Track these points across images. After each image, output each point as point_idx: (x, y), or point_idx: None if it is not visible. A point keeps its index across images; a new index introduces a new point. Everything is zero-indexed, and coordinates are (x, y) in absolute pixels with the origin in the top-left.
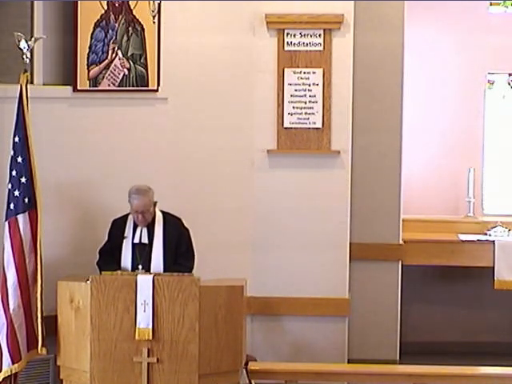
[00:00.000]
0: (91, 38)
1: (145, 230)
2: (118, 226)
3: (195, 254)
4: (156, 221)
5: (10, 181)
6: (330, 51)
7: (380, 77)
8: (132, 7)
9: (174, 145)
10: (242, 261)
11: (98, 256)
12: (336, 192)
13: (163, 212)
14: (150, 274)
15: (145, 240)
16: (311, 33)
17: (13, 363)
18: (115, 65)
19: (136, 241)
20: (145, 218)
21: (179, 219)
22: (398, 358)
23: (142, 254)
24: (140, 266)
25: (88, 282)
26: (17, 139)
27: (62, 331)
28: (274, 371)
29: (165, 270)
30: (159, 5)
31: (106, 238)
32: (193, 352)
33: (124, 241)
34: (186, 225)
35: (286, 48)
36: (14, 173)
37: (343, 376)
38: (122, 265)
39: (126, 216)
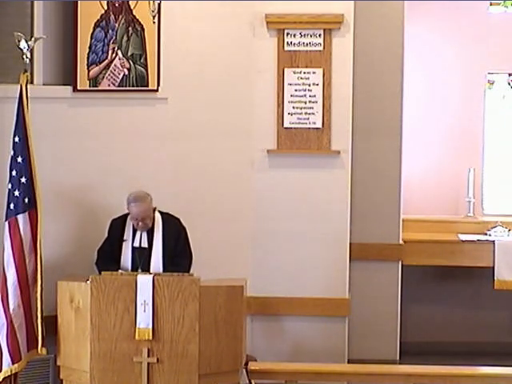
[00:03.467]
0: (91, 38)
1: (144, 234)
2: (117, 226)
3: (192, 252)
4: (155, 224)
5: (10, 181)
6: (329, 51)
7: (380, 77)
8: (132, 7)
9: (173, 145)
10: (242, 261)
11: (96, 256)
12: (336, 192)
13: (162, 212)
14: (150, 273)
15: (144, 244)
16: (311, 33)
17: (13, 363)
18: (115, 65)
19: (136, 244)
20: (145, 223)
21: (177, 219)
22: (398, 358)
23: (142, 258)
24: (139, 270)
25: (88, 282)
26: (17, 139)
27: (62, 331)
28: (274, 371)
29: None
30: (159, 5)
31: (106, 236)
32: (193, 352)
33: (123, 244)
34: (183, 223)
35: (286, 48)
36: (14, 173)
37: (343, 376)
38: (122, 268)
39: (125, 216)
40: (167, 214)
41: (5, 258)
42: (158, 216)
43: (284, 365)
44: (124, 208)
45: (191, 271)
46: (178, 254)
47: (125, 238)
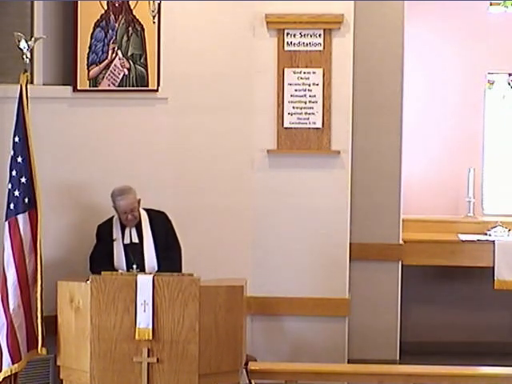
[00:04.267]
0: (91, 38)
1: (133, 230)
2: (105, 229)
3: (180, 245)
4: (142, 219)
5: (10, 181)
6: (329, 51)
7: (380, 77)
8: (132, 7)
9: (173, 145)
10: (241, 260)
11: (88, 262)
12: (336, 192)
13: (146, 209)
14: (150, 274)
15: (135, 239)
16: (311, 33)
17: (13, 363)
18: (115, 65)
19: (126, 241)
20: (134, 216)
21: (163, 213)
22: (398, 358)
23: (135, 254)
24: (134, 266)
25: (88, 282)
26: (17, 139)
27: (62, 331)
28: (274, 371)
29: (159, 267)
30: (159, 5)
31: (95, 241)
32: (193, 352)
33: (114, 243)
34: (169, 217)
35: (286, 48)
36: (13, 173)
37: (343, 376)
38: (117, 267)
39: (111, 219)
40: (151, 209)
41: (5, 258)
42: (143, 212)
43: (284, 365)
44: None
45: (190, 270)
46: (169, 247)
47: (114, 237)
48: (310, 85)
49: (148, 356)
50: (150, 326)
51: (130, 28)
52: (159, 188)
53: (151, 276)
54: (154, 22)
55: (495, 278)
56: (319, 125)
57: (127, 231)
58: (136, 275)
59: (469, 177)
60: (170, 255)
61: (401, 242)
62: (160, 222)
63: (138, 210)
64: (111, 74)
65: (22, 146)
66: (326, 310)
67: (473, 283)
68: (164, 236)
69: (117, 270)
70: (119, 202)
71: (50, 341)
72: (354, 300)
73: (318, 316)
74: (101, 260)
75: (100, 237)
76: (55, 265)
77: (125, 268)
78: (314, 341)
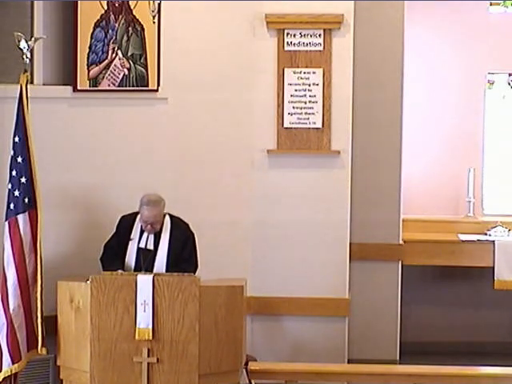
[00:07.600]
0: (91, 38)
1: (151, 236)
2: (126, 223)
3: (198, 262)
4: (164, 227)
5: (10, 181)
6: (330, 51)
7: (380, 76)
8: (132, 7)
9: (173, 145)
10: (241, 260)
11: (102, 250)
12: (336, 192)
13: (171, 216)
14: (150, 273)
15: (150, 246)
16: (311, 33)
17: (13, 363)
18: (115, 65)
19: (142, 245)
20: (153, 227)
21: (186, 224)
22: (398, 358)
23: (146, 260)
24: (143, 272)
25: (88, 282)
26: (17, 139)
27: (61, 331)
28: (274, 371)
29: None
30: (159, 5)
31: (114, 231)
32: (193, 352)
33: (130, 242)
34: (192, 229)
35: (286, 48)
36: (14, 173)
37: (343, 376)
38: (126, 266)
39: (135, 215)
40: (178, 218)
41: (5, 258)
42: (167, 219)
43: (284, 365)
44: (125, 208)
45: None
46: (185, 261)
47: (132, 237)
48: (310, 85)
49: (148, 356)
50: (150, 326)
51: (130, 28)
52: (159, 187)
53: (151, 276)
54: (154, 22)
55: (495, 278)
56: (319, 125)
57: (145, 235)
58: (136, 275)
59: (469, 177)
60: (182, 267)
61: (401, 242)
62: (179, 231)
63: (162, 223)
64: (111, 74)
65: (22, 146)
66: (325, 310)
67: (473, 283)
68: (180, 248)
69: (123, 268)
70: (143, 210)
71: (50, 341)
72: (354, 300)
73: (318, 316)
74: (112, 253)
75: (119, 229)
76: (55, 265)
77: (133, 270)
78: (313, 341)
